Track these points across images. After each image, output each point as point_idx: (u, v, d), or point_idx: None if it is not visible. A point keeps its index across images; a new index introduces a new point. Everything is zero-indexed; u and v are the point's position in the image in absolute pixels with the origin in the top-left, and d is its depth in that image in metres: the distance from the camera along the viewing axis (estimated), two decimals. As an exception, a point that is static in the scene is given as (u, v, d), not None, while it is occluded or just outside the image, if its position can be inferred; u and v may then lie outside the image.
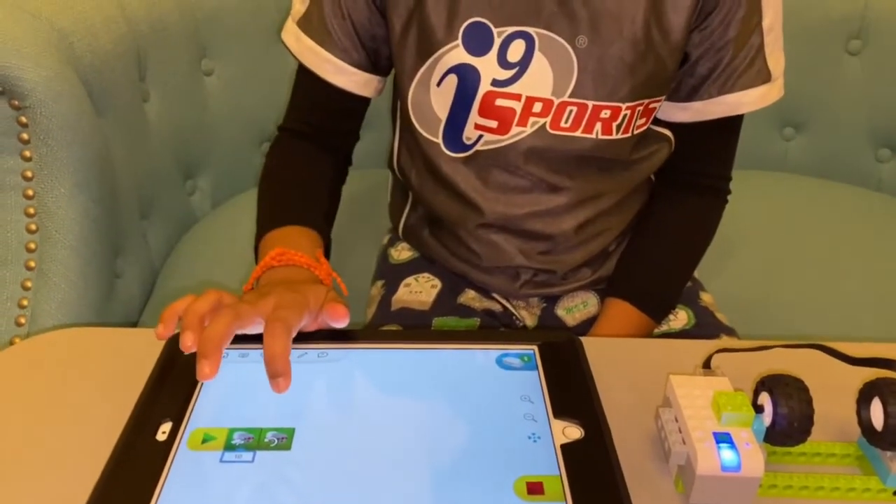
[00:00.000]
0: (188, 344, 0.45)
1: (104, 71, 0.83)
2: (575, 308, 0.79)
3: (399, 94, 0.73)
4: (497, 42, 0.66)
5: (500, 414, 0.47)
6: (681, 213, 0.78)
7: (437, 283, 0.79)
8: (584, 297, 0.79)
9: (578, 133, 0.69)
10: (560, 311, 0.79)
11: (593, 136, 0.69)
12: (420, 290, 0.78)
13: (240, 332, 0.48)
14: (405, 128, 0.75)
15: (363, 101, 0.75)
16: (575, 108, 0.67)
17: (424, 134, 0.72)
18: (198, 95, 1.06)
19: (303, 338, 0.52)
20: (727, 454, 0.41)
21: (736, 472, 0.41)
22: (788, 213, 1.11)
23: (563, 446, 0.45)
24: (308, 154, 0.75)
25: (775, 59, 0.71)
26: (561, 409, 0.48)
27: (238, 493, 0.41)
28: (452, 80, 0.68)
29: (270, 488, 0.42)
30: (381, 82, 0.75)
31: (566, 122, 0.68)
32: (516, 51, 0.66)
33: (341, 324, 0.52)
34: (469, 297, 0.78)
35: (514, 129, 0.68)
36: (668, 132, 0.77)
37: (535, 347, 0.53)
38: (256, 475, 0.42)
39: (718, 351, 0.48)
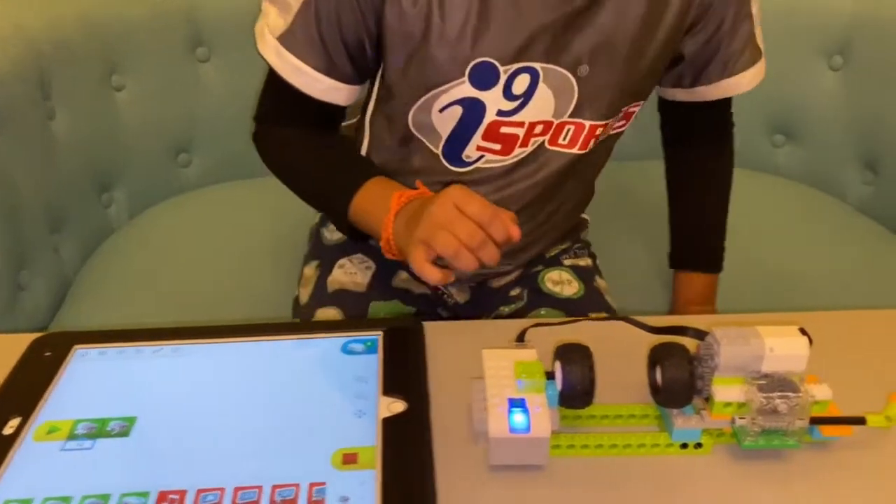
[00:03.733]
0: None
1: (0, 92, 0.86)
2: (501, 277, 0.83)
3: (395, 106, 0.72)
4: (503, 78, 0.67)
5: (333, 394, 0.51)
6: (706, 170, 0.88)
7: (371, 264, 0.82)
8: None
9: (575, 150, 0.73)
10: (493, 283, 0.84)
11: (586, 150, 0.73)
12: (354, 272, 0.81)
13: None
14: (392, 132, 0.75)
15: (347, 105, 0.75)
16: (573, 127, 0.71)
17: (426, 142, 0.73)
18: (109, 111, 1.09)
19: (158, 335, 0.56)
20: (518, 417, 0.46)
21: (525, 433, 0.45)
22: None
23: (385, 420, 0.49)
24: (317, 136, 0.75)
25: (760, 36, 0.78)
26: (391, 387, 0.52)
27: (74, 477, 0.45)
28: (456, 109, 0.69)
29: (104, 471, 0.45)
30: (364, 87, 0.75)
31: (563, 139, 0.72)
32: (521, 84, 0.68)
33: None
34: (402, 278, 0.81)
35: (517, 151, 0.72)
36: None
37: (381, 333, 0.57)
38: (93, 460, 0.46)
39: (533, 325, 0.53)
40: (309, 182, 0.75)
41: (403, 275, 0.82)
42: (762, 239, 1.07)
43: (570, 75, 0.68)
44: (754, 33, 0.77)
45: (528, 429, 0.45)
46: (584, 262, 0.86)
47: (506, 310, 0.82)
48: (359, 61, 0.70)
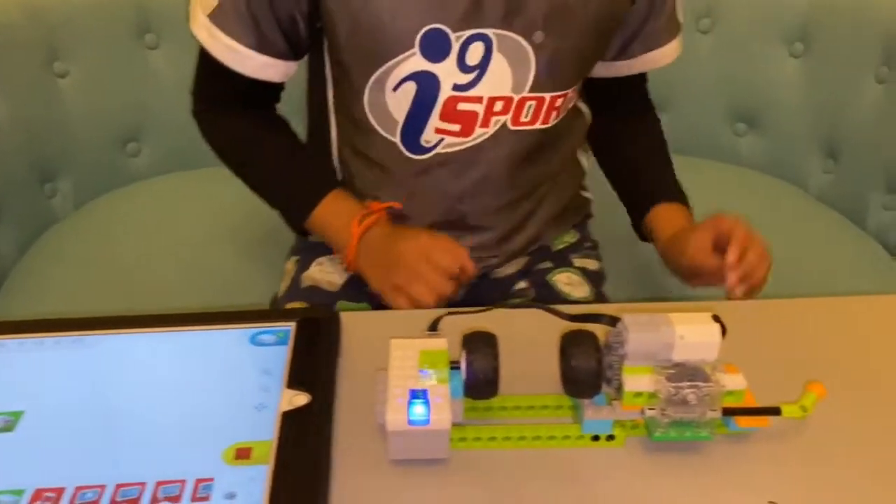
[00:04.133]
0: None
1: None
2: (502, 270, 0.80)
3: (349, 90, 0.71)
4: (455, 47, 0.65)
5: (235, 387, 0.49)
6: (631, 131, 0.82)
7: None
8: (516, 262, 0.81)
9: (537, 126, 0.70)
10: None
11: (549, 125, 0.71)
12: (331, 270, 0.79)
13: None
14: (350, 122, 0.73)
15: (283, 82, 0.74)
16: (534, 103, 0.69)
17: (382, 132, 0.71)
18: (51, 99, 1.05)
19: (59, 326, 0.54)
20: (418, 409, 0.44)
21: (424, 425, 0.43)
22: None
23: (285, 413, 0.47)
24: (261, 121, 0.75)
25: (681, 9, 0.76)
26: (297, 379, 0.50)
27: (-51, 475, 0.43)
28: (411, 86, 0.67)
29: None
30: (299, 63, 0.73)
31: (526, 116, 0.69)
32: (475, 53, 0.65)
33: None
34: None
35: (477, 131, 0.69)
36: (582, 106, 0.80)
37: (294, 324, 0.55)
38: (-29, 457, 0.44)
39: (447, 314, 0.51)
40: (262, 183, 0.75)
41: None
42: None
43: (524, 42, 0.66)
44: (675, 5, 0.75)
45: (427, 421, 0.43)
46: (593, 265, 0.83)
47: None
48: (292, 37, 0.68)
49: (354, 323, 0.56)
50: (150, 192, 1.12)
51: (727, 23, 1.19)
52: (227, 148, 0.77)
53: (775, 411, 0.46)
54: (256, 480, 0.42)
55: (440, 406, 0.44)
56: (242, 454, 0.44)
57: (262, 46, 0.67)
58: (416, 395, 0.44)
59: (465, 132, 0.69)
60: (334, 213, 0.71)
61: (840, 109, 1.13)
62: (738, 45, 1.19)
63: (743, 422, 0.47)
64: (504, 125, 0.69)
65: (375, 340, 0.54)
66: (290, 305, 0.76)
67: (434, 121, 0.68)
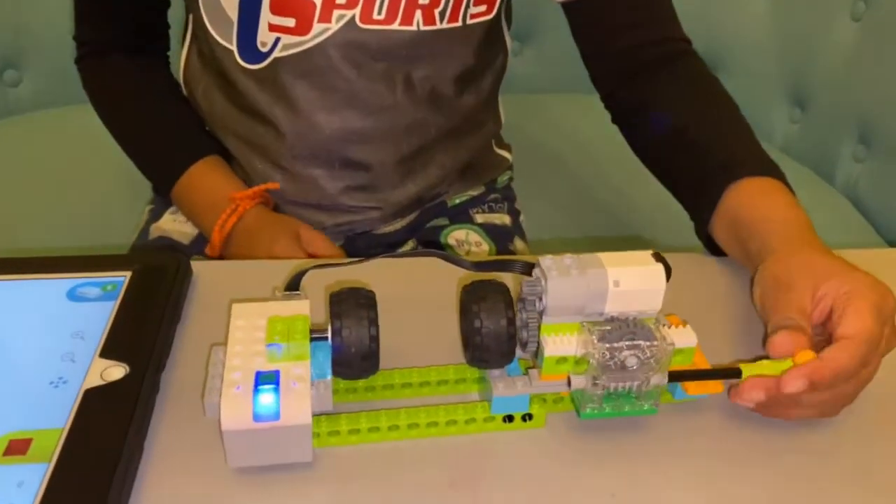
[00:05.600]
0: None
1: None
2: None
3: None
4: None
5: (30, 357, 0.37)
6: (671, 89, 0.58)
7: None
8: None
9: (396, 25, 0.57)
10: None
11: (414, 27, 0.57)
12: (184, 220, 0.67)
13: None
14: (197, 30, 0.63)
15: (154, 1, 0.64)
16: None
17: (218, 39, 0.60)
18: None
19: None
20: (266, 399, 0.32)
21: (274, 420, 0.31)
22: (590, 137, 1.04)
23: (87, 391, 0.35)
24: (143, 71, 0.67)
25: None
26: (114, 346, 0.37)
27: None
28: None
29: None
30: None
31: (379, 12, 0.57)
32: None
33: None
34: None
35: (317, 27, 0.57)
36: (507, 38, 0.66)
37: (129, 274, 0.43)
38: None
39: (314, 267, 0.39)
40: (133, 143, 0.68)
41: None
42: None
43: None
44: None
45: (277, 414, 0.31)
46: (501, 219, 0.70)
47: None
48: None
49: (209, 274, 0.44)
50: (29, 127, 0.97)
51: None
52: (97, 96, 0.67)
53: (735, 373, 0.35)
54: (27, 485, 0.30)
55: (297, 392, 0.32)
56: (16, 448, 0.32)
57: None
58: (263, 378, 0.32)
59: (302, 28, 0.57)
60: (198, 203, 0.64)
61: (810, 51, 1.02)
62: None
63: (693, 388, 0.36)
64: (352, 21, 0.57)
65: (235, 297, 0.41)
66: None
67: (266, 14, 0.57)
